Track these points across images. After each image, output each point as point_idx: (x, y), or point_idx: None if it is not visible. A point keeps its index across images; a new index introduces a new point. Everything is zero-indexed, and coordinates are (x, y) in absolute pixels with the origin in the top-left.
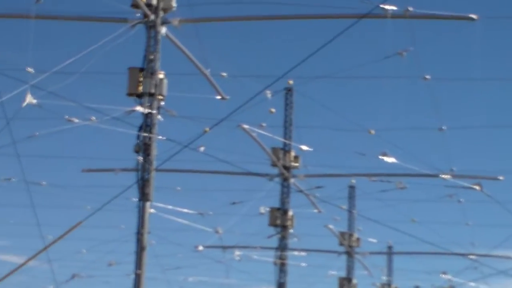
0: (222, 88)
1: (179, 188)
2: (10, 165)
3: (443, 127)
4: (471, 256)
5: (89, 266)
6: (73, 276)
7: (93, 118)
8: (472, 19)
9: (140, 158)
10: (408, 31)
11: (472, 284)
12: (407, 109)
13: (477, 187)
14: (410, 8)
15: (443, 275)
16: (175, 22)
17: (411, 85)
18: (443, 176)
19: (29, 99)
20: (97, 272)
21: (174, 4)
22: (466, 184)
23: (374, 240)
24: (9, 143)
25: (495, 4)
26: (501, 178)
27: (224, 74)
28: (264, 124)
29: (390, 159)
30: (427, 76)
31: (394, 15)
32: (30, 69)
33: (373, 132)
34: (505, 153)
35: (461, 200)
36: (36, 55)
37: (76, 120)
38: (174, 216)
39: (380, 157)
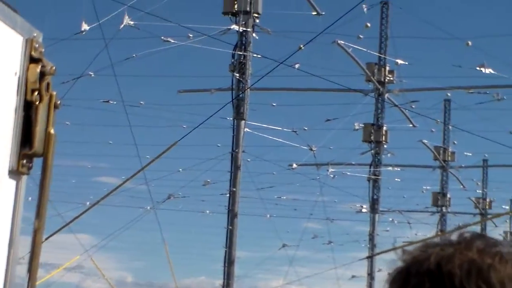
0: (317, 3)
1: (274, 104)
2: (108, 86)
3: None
4: None
5: (186, 186)
6: (169, 197)
7: (191, 36)
8: None
9: (236, 76)
10: None
11: None
12: (506, 16)
13: None
14: None
15: None
16: None
17: None
18: None
19: (126, 20)
20: (193, 191)
21: None
22: None
23: (469, 154)
24: (107, 65)
25: None
26: None
27: None
28: (361, 36)
29: (487, 70)
30: None
31: None
32: None
33: (470, 43)
34: None
35: None
36: None
37: (172, 41)
38: (268, 135)
39: (477, 68)
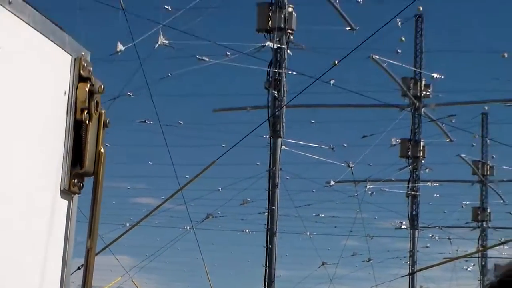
0: (351, 18)
1: (313, 121)
2: (144, 106)
3: None
4: None
5: (224, 205)
6: (207, 216)
7: (228, 54)
8: None
9: (272, 94)
10: None
11: None
12: None
13: None
14: None
15: None
16: None
17: None
18: None
19: (161, 39)
20: (231, 210)
21: None
22: None
23: (509, 168)
24: (143, 85)
25: None
26: None
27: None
28: (399, 51)
29: None
30: None
31: None
32: (167, 7)
33: (506, 55)
34: None
35: None
36: None
37: (207, 59)
38: (305, 152)
39: None
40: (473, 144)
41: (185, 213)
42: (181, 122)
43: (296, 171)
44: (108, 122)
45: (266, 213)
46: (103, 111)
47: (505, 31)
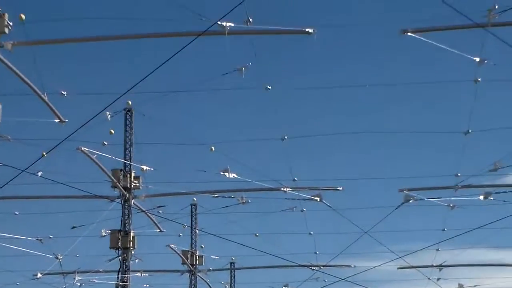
0: (60, 110)
1: (17, 213)
2: None
3: (285, 137)
4: (313, 267)
5: None
6: None
7: None
8: (309, 33)
9: None
10: (249, 45)
11: None
12: (249, 122)
13: (317, 199)
14: (249, 24)
15: None
16: (8, 45)
17: (252, 97)
18: (284, 189)
19: None
20: None
21: (6, 29)
22: (307, 196)
23: (217, 257)
24: None
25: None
26: (340, 188)
27: (64, 93)
28: (106, 143)
29: (231, 175)
30: (269, 87)
31: (231, 32)
32: None
33: (213, 148)
34: (345, 161)
35: (303, 209)
36: None
37: None
38: (12, 244)
39: (221, 172)
40: (180, 234)
41: None
42: None
43: (2, 263)
44: None
45: None
46: None
47: (213, 126)
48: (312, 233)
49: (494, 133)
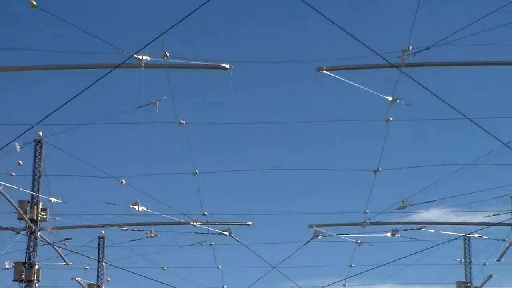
0: None
1: None
2: None
3: (196, 172)
4: None
5: None
6: None
7: None
8: (225, 68)
9: None
10: (165, 78)
11: None
12: (161, 155)
13: (227, 233)
14: (166, 58)
15: None
16: None
17: (166, 131)
18: (194, 223)
19: None
20: None
21: None
22: (216, 231)
23: None
24: None
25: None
26: (250, 223)
27: None
28: (14, 174)
29: (140, 208)
30: (182, 121)
31: (147, 65)
32: None
33: (123, 181)
34: (256, 197)
35: (212, 243)
36: None
37: None
38: None
39: (131, 206)
40: (87, 267)
41: None
42: None
43: None
44: None
45: None
46: None
47: (122, 157)
48: (220, 267)
49: (403, 172)
